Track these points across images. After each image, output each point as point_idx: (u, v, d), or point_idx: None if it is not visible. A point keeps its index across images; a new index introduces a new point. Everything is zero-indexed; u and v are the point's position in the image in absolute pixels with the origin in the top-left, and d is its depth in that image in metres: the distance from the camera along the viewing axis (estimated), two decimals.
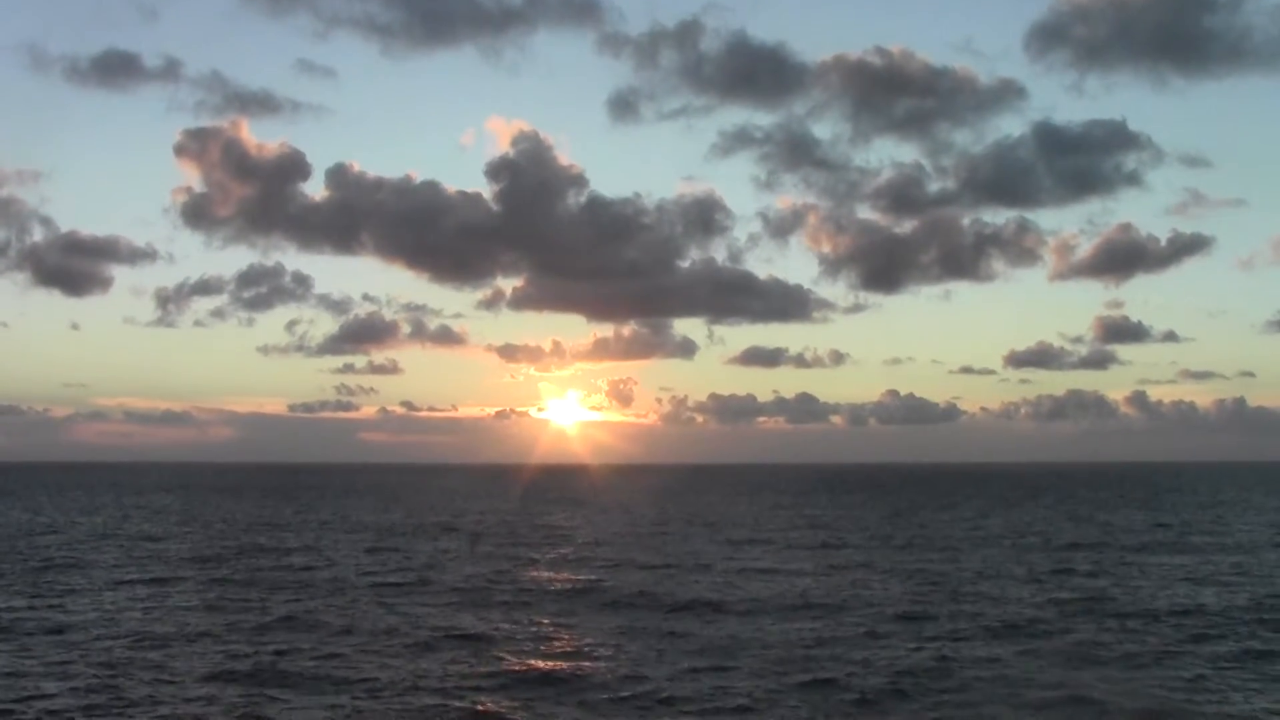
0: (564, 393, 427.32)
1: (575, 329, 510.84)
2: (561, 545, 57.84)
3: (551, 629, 30.47)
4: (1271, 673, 24.92)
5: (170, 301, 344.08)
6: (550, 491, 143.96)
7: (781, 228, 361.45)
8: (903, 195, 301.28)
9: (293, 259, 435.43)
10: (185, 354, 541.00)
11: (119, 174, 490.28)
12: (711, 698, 22.32)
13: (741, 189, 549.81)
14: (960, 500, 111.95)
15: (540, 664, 25.53)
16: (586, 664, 25.58)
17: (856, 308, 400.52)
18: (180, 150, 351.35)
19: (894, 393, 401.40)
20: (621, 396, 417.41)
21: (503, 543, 59.47)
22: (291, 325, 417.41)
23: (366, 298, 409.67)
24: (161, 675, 24.38)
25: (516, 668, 25.13)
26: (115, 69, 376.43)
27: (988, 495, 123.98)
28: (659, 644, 27.99)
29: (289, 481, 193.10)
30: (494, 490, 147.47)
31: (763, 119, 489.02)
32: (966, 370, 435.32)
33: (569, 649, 27.56)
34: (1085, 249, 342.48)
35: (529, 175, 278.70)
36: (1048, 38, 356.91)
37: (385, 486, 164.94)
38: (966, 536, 62.78)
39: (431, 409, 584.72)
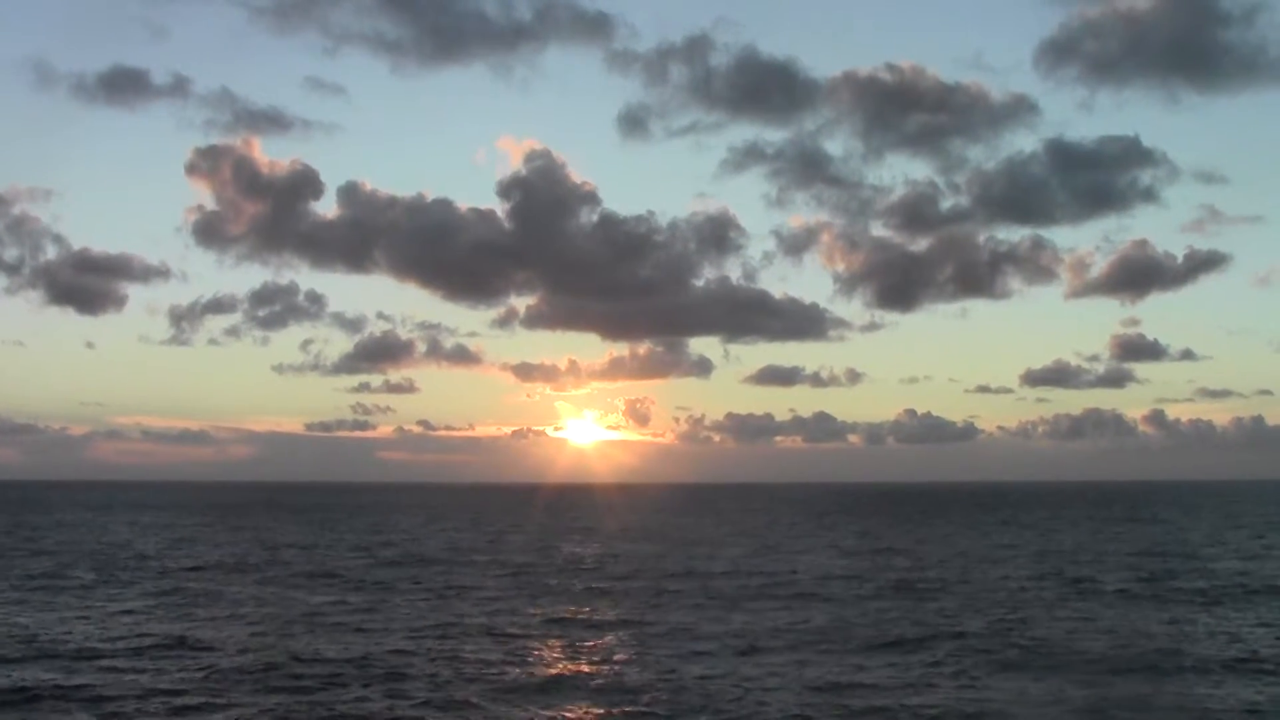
0: (581, 412, 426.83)
1: (590, 348, 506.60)
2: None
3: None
4: None
5: (184, 320, 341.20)
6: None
7: (795, 245, 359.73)
8: (916, 212, 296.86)
9: (306, 277, 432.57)
10: (200, 372, 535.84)
11: (130, 191, 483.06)
12: None
13: (753, 206, 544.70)
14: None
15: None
16: None
17: (872, 326, 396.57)
18: (192, 168, 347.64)
19: (911, 411, 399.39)
20: (638, 415, 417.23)
21: None
22: (306, 344, 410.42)
23: (381, 316, 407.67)
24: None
25: None
26: (124, 86, 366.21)
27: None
28: None
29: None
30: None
31: (773, 135, 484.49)
32: (983, 389, 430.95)
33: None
34: (1101, 266, 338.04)
35: (541, 193, 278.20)
36: (1058, 53, 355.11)
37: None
38: None
39: (448, 428, 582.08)
